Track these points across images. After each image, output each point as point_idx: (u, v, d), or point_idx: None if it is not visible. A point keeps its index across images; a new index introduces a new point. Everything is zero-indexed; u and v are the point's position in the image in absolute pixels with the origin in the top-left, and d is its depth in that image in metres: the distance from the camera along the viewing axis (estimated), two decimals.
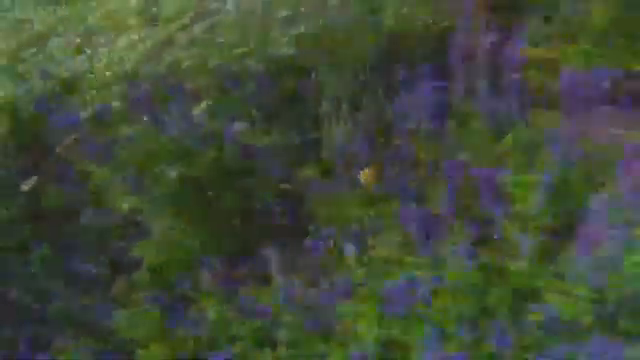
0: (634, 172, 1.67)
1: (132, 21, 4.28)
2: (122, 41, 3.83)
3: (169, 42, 3.55)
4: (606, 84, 1.85)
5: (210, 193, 2.84)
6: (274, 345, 2.05)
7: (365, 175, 2.42)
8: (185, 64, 3.15)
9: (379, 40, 3.05)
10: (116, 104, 3.06)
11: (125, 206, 2.67)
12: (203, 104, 3.12)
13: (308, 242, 2.11)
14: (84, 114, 2.98)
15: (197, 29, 3.46)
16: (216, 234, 2.69)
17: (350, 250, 1.97)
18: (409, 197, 2.21)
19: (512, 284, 1.68)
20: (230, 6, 3.52)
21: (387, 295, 1.59)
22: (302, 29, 3.29)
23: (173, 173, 2.80)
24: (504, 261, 1.74)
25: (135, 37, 3.83)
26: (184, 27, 3.63)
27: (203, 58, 3.25)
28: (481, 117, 2.15)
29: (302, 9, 3.36)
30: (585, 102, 1.84)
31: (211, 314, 2.39)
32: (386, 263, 1.82)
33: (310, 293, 1.84)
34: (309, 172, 2.62)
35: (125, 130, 2.84)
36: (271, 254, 2.12)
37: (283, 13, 3.37)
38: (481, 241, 1.89)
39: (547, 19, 3.01)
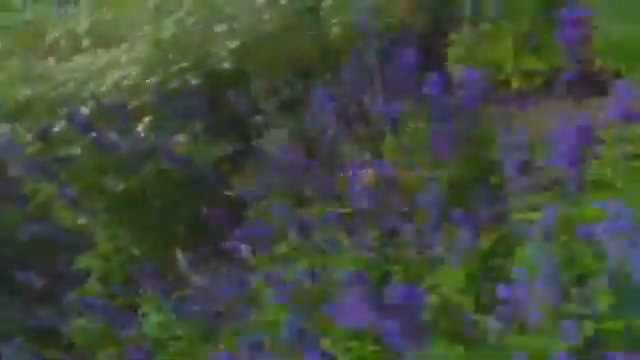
0: None
1: (85, 42, 4.45)
2: (71, 63, 3.99)
3: (115, 62, 3.71)
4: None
5: (153, 203, 3.01)
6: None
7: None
8: (125, 83, 3.30)
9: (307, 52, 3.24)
10: (61, 124, 3.21)
11: (70, 220, 2.82)
12: (145, 120, 3.30)
13: (228, 244, 2.28)
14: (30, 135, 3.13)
15: (139, 48, 3.62)
16: (157, 242, 2.86)
17: (243, 250, 2.16)
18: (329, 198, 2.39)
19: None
20: (171, 24, 3.67)
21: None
22: (238, 43, 3.46)
23: (117, 186, 2.97)
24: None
25: (84, 59, 3.99)
26: (129, 47, 3.79)
27: (144, 76, 3.41)
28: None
29: (238, 24, 3.51)
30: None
31: (152, 317, 2.56)
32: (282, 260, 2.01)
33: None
34: (242, 179, 2.78)
35: (69, 148, 2.99)
36: (186, 257, 2.29)
37: (221, 28, 3.52)
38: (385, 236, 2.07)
39: None
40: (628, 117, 1.61)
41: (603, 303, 1.34)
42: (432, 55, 3.50)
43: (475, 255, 1.66)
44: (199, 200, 2.97)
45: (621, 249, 1.23)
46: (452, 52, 3.53)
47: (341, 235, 2.07)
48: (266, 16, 3.50)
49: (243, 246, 2.16)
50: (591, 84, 3.06)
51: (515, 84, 3.50)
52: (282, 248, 2.05)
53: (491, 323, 1.49)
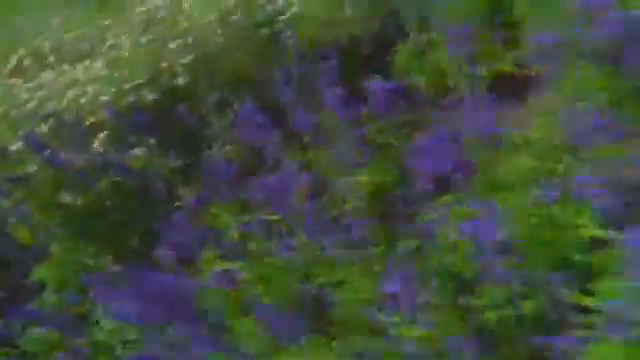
0: None
1: (51, 59, 4.57)
2: (37, 80, 4.12)
3: (75, 80, 3.84)
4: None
5: (108, 216, 3.14)
6: None
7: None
8: (82, 101, 3.42)
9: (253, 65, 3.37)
10: (20, 142, 3.33)
11: (26, 235, 2.95)
12: (102, 135, 3.42)
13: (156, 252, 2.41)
14: None
15: (97, 65, 3.75)
16: (111, 252, 2.99)
17: (168, 257, 2.28)
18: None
19: None
20: (127, 41, 3.80)
21: None
22: (191, 58, 3.59)
23: (74, 201, 3.10)
24: None
25: (50, 76, 4.11)
26: (89, 64, 3.92)
27: (101, 93, 3.53)
28: None
29: (190, 40, 3.64)
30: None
31: (105, 324, 2.68)
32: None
33: None
34: (191, 190, 2.91)
35: (25, 167, 3.12)
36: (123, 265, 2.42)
37: (174, 44, 3.65)
38: None
39: None
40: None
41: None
42: (382, 64, 3.66)
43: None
44: (152, 211, 3.09)
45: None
46: (398, 60, 3.66)
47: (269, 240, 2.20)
48: (218, 31, 3.62)
49: (168, 253, 2.28)
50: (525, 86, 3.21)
51: (461, 89, 3.63)
52: (208, 254, 2.17)
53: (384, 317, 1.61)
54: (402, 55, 3.64)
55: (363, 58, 3.87)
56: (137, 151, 3.36)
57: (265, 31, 3.80)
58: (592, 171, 1.64)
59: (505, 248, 1.63)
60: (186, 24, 3.66)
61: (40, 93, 3.79)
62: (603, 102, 1.86)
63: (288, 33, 3.78)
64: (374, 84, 2.22)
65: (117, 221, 3.13)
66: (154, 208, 3.12)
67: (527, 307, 1.58)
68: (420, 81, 3.48)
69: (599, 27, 1.92)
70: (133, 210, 3.14)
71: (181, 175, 3.16)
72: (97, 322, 2.70)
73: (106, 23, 4.41)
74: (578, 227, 1.64)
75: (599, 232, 1.62)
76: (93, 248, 3.01)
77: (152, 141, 3.37)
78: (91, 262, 2.99)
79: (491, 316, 1.65)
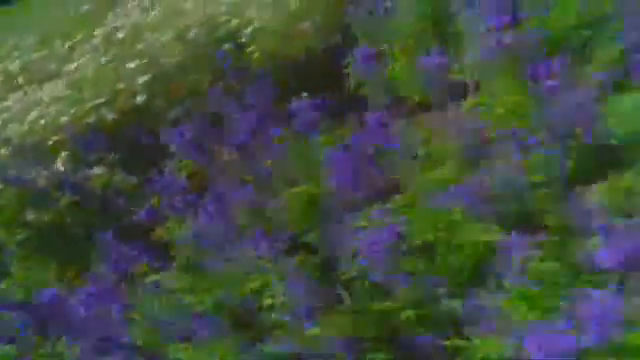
0: None
1: (20, 80, 4.71)
2: (5, 102, 4.24)
3: (39, 101, 3.96)
4: None
5: (68, 232, 3.26)
6: None
7: None
8: (42, 122, 3.54)
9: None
10: None
11: None
12: (63, 155, 3.55)
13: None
14: None
15: (59, 87, 3.87)
16: (70, 267, 3.11)
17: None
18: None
19: None
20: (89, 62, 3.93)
21: None
22: (148, 77, 3.71)
23: (38, 219, 3.23)
24: None
25: (18, 97, 4.24)
26: (52, 85, 4.05)
27: (62, 113, 3.66)
28: None
29: (147, 59, 3.77)
30: None
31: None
32: None
33: None
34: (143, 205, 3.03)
35: None
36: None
37: (132, 65, 3.78)
38: None
39: None
40: None
41: None
42: (337, 77, 3.79)
43: None
44: (110, 227, 3.21)
45: None
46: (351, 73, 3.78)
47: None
48: (174, 50, 3.75)
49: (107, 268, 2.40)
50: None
51: (415, 99, 3.75)
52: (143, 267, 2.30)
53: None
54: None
55: (320, 71, 3.99)
56: (97, 169, 3.48)
57: (227, 46, 3.93)
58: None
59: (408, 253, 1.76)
60: (143, 44, 3.78)
61: (6, 115, 3.92)
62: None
63: (250, 48, 3.91)
64: (296, 103, 2.34)
65: (78, 238, 3.24)
66: (111, 224, 3.23)
67: (425, 309, 1.71)
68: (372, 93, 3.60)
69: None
70: (93, 226, 3.25)
71: (139, 191, 3.28)
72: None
73: (72, 43, 4.57)
74: (474, 232, 1.77)
75: (493, 237, 1.75)
76: (51, 264, 3.13)
77: (111, 159, 3.49)
78: (50, 278, 3.10)
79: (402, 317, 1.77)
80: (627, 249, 1.39)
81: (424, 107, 3.48)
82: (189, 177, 3.16)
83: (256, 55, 3.98)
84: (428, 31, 3.53)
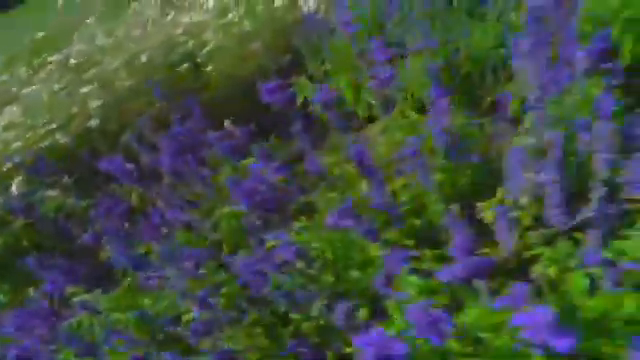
0: None
1: None
2: None
3: None
4: None
5: (25, 255, 3.37)
6: None
7: None
8: None
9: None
10: None
11: None
12: (18, 179, 3.66)
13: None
14: None
15: (16, 111, 3.98)
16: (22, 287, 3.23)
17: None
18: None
19: None
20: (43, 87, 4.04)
21: None
22: (100, 102, 3.83)
23: None
24: None
25: None
26: (11, 110, 4.16)
27: (16, 138, 3.77)
28: None
29: (99, 84, 3.89)
30: None
31: None
32: None
33: None
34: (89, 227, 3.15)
35: None
36: None
37: (85, 90, 3.89)
38: None
39: None
40: None
41: None
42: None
43: None
44: (61, 249, 3.33)
45: None
46: (299, 92, 3.92)
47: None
48: (124, 74, 3.87)
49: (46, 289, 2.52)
50: None
51: (360, 114, 3.89)
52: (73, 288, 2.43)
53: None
54: (300, 87, 3.92)
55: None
56: (51, 192, 3.59)
57: (183, 68, 4.05)
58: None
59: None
60: (95, 70, 3.89)
61: None
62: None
63: (208, 68, 4.04)
64: (219, 131, 2.48)
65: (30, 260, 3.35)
66: (64, 246, 3.35)
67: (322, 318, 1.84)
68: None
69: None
70: (45, 249, 3.37)
71: (88, 214, 3.39)
72: None
73: (35, 66, 4.67)
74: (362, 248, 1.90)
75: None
76: (6, 287, 3.24)
77: (65, 182, 3.60)
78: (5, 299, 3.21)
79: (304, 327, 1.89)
80: None
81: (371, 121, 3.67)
82: (136, 200, 3.28)
83: (213, 75, 4.12)
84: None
